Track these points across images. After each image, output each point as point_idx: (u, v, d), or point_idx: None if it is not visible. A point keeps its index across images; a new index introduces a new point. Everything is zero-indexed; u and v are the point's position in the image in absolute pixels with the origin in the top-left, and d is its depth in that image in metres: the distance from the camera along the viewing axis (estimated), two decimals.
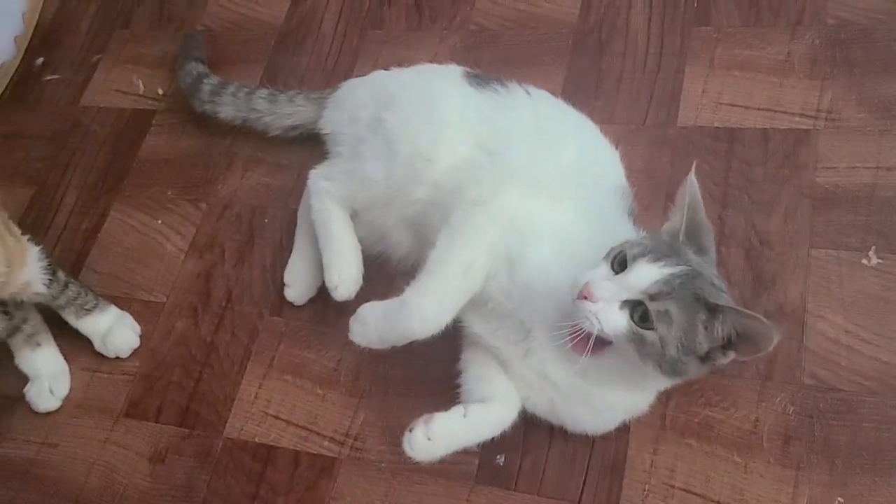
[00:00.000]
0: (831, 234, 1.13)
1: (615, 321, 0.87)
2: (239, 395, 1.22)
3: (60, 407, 1.28)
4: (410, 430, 0.97)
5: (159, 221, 1.42)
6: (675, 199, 0.94)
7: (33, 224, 1.46)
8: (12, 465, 1.25)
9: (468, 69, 1.19)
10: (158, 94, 1.56)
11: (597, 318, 0.87)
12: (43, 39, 1.72)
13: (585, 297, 0.88)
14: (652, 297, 0.86)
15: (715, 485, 1.01)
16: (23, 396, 1.28)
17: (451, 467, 1.08)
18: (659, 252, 0.88)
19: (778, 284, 1.12)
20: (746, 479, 1.01)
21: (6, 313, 1.24)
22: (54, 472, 1.23)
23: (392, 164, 1.13)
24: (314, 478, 1.13)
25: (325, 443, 1.15)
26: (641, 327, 0.87)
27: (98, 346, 1.30)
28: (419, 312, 0.99)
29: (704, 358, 0.88)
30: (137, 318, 1.32)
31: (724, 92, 1.27)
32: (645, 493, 1.02)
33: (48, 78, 1.66)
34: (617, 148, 1.13)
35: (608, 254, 0.91)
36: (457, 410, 0.99)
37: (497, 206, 1.02)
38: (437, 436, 0.97)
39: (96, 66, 1.65)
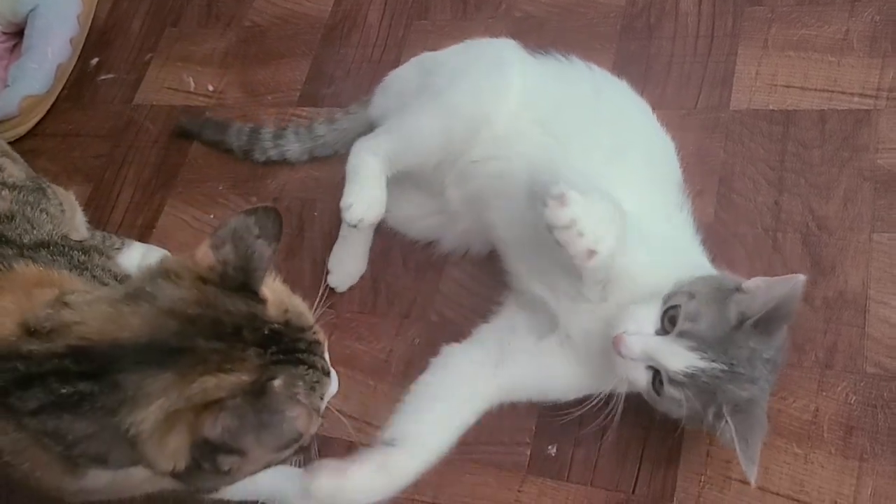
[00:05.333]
0: (894, 218, 1.09)
1: (637, 378, 0.91)
2: None
3: None
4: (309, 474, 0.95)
5: (211, 216, 1.44)
6: (771, 284, 0.89)
7: (91, 220, 1.49)
8: None
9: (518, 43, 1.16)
10: (209, 90, 1.59)
11: (623, 368, 0.90)
12: (97, 40, 1.75)
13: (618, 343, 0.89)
14: (671, 380, 0.87)
15: (774, 476, 0.99)
16: None
17: (502, 458, 1.08)
18: (707, 340, 0.86)
19: (838, 270, 1.08)
20: (807, 470, 0.98)
21: None
22: None
23: (442, 116, 1.09)
24: None
25: (378, 434, 1.15)
26: (655, 391, 0.90)
27: None
28: None
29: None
30: None
31: (778, 73, 1.24)
32: (701, 484, 1.00)
33: (102, 77, 1.70)
34: (667, 134, 1.11)
35: (666, 298, 0.89)
36: (375, 458, 0.97)
37: None
38: (345, 489, 0.95)
39: (148, 65, 1.68)
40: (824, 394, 1.02)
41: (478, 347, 1.06)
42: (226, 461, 0.68)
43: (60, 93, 1.69)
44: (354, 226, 1.10)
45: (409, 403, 1.04)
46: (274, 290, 0.75)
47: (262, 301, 0.73)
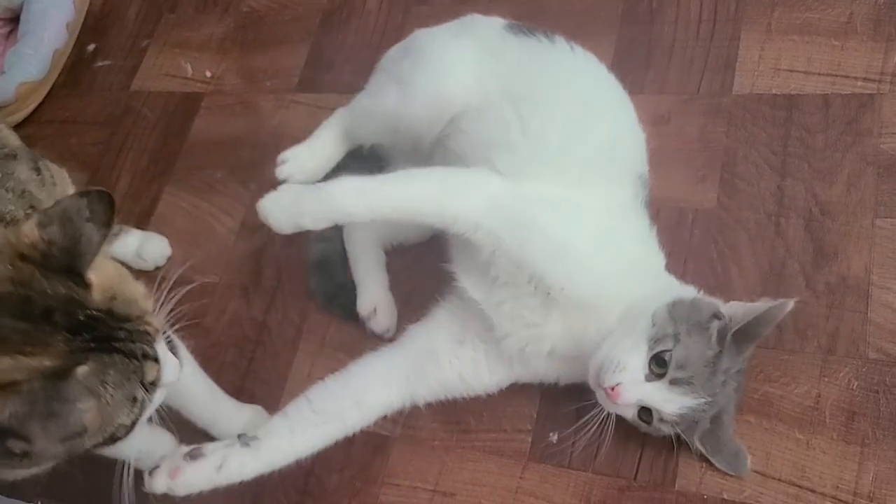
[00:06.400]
0: None
1: (624, 413, 0.94)
2: (292, 374, 1.23)
3: None
4: (151, 472, 0.94)
5: (210, 203, 1.43)
6: (754, 305, 0.93)
7: None
8: None
9: (512, 21, 1.15)
10: (206, 76, 1.57)
11: (611, 407, 0.94)
12: (93, 26, 1.74)
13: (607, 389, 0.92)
14: (661, 419, 0.92)
15: (776, 462, 0.99)
16: None
17: (504, 445, 1.08)
18: (697, 381, 0.90)
19: (840, 256, 1.08)
20: (808, 455, 0.98)
21: None
22: None
23: (405, 96, 1.10)
24: (368, 455, 1.13)
25: (379, 420, 1.15)
26: (641, 418, 0.94)
27: (135, 264, 1.35)
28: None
29: None
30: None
31: (781, 57, 1.23)
32: (702, 470, 1.00)
33: (99, 64, 1.69)
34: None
35: (651, 342, 0.91)
36: (212, 460, 0.96)
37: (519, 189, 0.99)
38: (178, 487, 0.94)
39: (145, 51, 1.66)
40: (826, 379, 1.01)
41: (399, 351, 1.06)
42: (16, 445, 0.67)
43: (57, 79, 1.68)
44: (283, 180, 1.16)
45: (295, 408, 1.03)
46: (106, 276, 0.74)
47: (86, 286, 0.71)
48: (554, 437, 1.07)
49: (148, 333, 0.76)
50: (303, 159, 1.21)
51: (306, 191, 0.99)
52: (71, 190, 1.30)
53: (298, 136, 1.41)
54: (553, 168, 0.99)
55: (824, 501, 0.95)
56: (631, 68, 1.26)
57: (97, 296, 0.72)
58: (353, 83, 1.42)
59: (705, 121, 1.22)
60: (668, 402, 0.91)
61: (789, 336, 1.05)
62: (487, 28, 1.13)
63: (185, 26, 1.66)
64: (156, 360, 0.76)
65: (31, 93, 1.62)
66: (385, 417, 1.14)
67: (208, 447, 0.97)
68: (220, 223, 1.40)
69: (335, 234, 1.23)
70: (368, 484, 1.11)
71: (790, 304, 0.91)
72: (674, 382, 0.90)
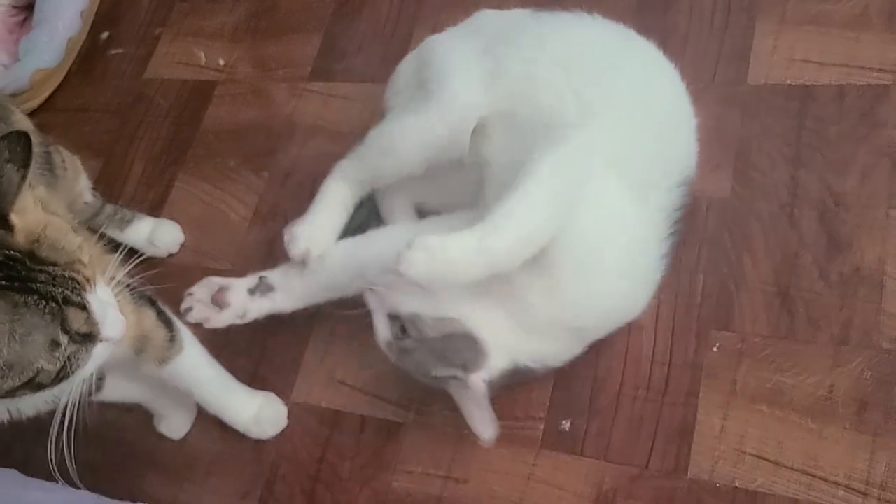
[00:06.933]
0: None
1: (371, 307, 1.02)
2: (304, 361, 1.23)
3: None
4: (184, 312, 1.15)
5: (223, 191, 1.44)
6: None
7: (103, 195, 1.49)
8: None
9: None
10: (220, 64, 1.58)
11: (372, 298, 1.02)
12: (107, 14, 1.74)
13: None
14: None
15: (788, 451, 0.99)
16: None
17: (516, 432, 1.08)
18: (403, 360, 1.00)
19: (854, 247, 1.08)
20: (820, 445, 0.98)
21: None
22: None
23: (421, 122, 1.05)
24: (380, 442, 1.14)
25: (391, 408, 1.16)
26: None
27: (148, 250, 1.36)
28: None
29: None
30: None
31: (796, 48, 1.22)
32: (715, 458, 1.01)
33: (113, 52, 1.69)
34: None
35: (418, 314, 0.97)
36: (236, 310, 1.16)
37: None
38: (208, 325, 1.16)
39: (159, 40, 1.67)
40: (839, 369, 1.02)
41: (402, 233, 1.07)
42: None
43: (71, 67, 1.69)
44: (300, 261, 1.12)
45: (310, 275, 1.14)
46: (34, 221, 0.75)
47: (9, 227, 0.72)
48: (566, 425, 1.07)
49: (75, 281, 0.75)
50: (314, 233, 1.12)
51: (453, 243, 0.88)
52: (83, 176, 1.31)
53: (311, 125, 1.43)
54: (612, 160, 0.95)
55: (836, 490, 0.96)
56: None
57: (20, 238, 0.73)
58: (365, 72, 1.43)
59: (720, 110, 1.21)
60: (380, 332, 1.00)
61: (802, 326, 1.05)
62: (502, 17, 1.13)
63: (198, 14, 1.67)
64: (82, 308, 0.76)
65: (46, 80, 1.63)
66: (398, 404, 1.15)
67: (232, 295, 1.15)
68: (234, 211, 1.41)
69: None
70: (381, 471, 1.12)
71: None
72: (399, 351, 0.99)
